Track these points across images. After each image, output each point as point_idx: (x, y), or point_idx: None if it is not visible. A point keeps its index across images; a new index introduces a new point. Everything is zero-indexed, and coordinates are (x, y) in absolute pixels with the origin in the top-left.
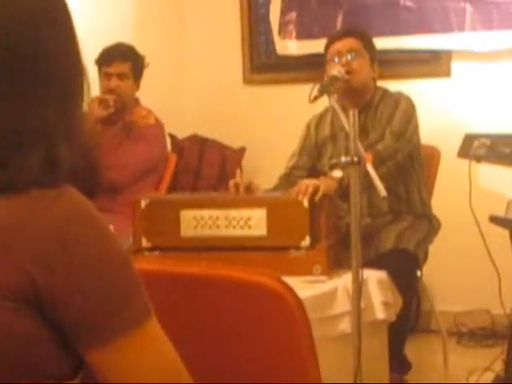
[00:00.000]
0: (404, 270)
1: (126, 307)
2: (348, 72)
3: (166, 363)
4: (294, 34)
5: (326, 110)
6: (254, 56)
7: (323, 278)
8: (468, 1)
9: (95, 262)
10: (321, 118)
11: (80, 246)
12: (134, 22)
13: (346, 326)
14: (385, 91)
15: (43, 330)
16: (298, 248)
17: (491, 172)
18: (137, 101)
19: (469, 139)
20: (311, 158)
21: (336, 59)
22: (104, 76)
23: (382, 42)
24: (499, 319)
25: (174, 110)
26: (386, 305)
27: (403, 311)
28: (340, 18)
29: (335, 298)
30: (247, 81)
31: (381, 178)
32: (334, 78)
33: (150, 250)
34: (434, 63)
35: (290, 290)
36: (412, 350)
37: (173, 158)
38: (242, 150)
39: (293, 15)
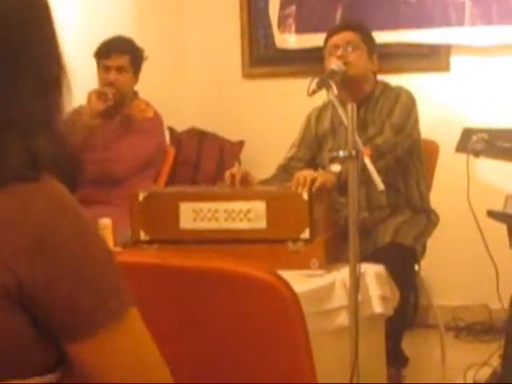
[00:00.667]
0: (402, 264)
1: (107, 301)
2: (345, 64)
3: (146, 355)
4: (293, 28)
5: (327, 103)
6: (253, 49)
7: (321, 271)
8: None
9: (76, 256)
10: (321, 110)
11: (61, 240)
12: (133, 16)
13: (343, 319)
14: (386, 85)
15: (26, 325)
16: (297, 240)
17: (489, 166)
18: (135, 94)
19: (467, 133)
20: (310, 150)
21: (334, 53)
22: (103, 69)
23: (381, 36)
24: (497, 314)
25: (173, 103)
26: (383, 299)
27: (401, 305)
28: (339, 12)
29: (333, 291)
30: (246, 74)
31: (379, 171)
32: (333, 72)
33: (149, 243)
34: (433, 58)
35: (285, 283)
36: (409, 344)
37: (171, 151)
38: (241, 144)
39: (292, 9)
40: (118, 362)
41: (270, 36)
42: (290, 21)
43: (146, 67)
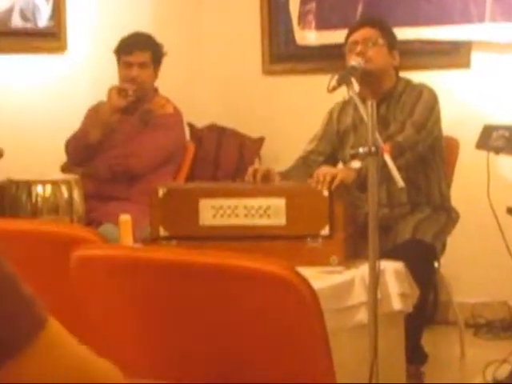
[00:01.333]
0: (421, 261)
1: (13, 327)
2: (364, 59)
3: (73, 364)
4: (313, 24)
5: (350, 99)
6: (273, 46)
7: (340, 268)
8: None
9: None
10: (344, 106)
11: None
12: (152, 12)
13: (362, 316)
14: (408, 82)
15: None
16: (317, 237)
17: (510, 163)
18: (156, 90)
19: (487, 130)
20: (331, 144)
21: (353, 49)
22: (124, 65)
23: (401, 33)
24: None
25: (193, 99)
26: (402, 296)
27: (420, 302)
28: (360, 9)
29: (352, 288)
30: (266, 71)
31: (399, 169)
32: (353, 69)
33: (168, 239)
34: (453, 54)
35: (304, 280)
36: (429, 341)
37: (191, 147)
38: (261, 140)
39: (312, 5)
40: (51, 372)
41: (290, 32)
42: (310, 17)
43: (166, 63)
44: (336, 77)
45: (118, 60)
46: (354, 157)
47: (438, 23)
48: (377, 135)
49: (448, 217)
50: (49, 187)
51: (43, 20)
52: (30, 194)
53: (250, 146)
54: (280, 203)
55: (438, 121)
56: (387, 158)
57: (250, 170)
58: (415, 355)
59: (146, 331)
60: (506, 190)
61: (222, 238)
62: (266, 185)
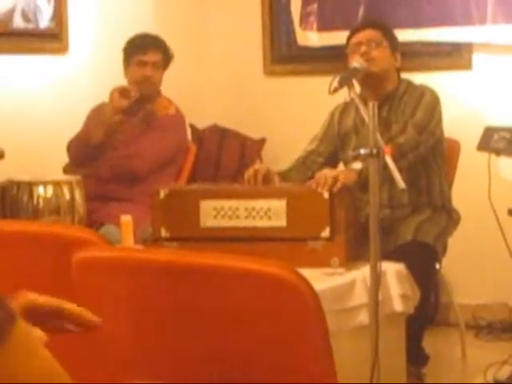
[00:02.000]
0: (422, 262)
1: None
2: (367, 60)
3: (40, 362)
4: (315, 26)
5: (351, 100)
6: (274, 47)
7: (341, 270)
8: None
9: None
10: (345, 107)
11: None
12: (155, 13)
13: (363, 318)
14: (409, 83)
15: None
16: (317, 239)
17: (511, 165)
18: (158, 91)
19: (489, 132)
20: (331, 146)
21: (356, 50)
22: (138, 64)
23: (403, 35)
24: None
25: (195, 100)
26: (404, 297)
27: (421, 304)
28: (361, 10)
29: (353, 289)
30: (268, 72)
31: (401, 170)
32: (355, 70)
33: (169, 240)
34: (455, 56)
35: (305, 281)
36: (430, 342)
37: (193, 149)
38: (262, 141)
39: (314, 6)
40: (23, 367)
41: (291, 33)
42: (312, 18)
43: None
44: (337, 78)
45: (128, 59)
46: (355, 158)
47: (440, 25)
48: (378, 137)
49: (449, 218)
50: (50, 188)
51: (45, 21)
52: (31, 194)
53: (251, 147)
54: (281, 205)
55: (439, 122)
56: (388, 160)
57: (250, 170)
58: (416, 356)
59: (147, 332)
60: (507, 192)
61: (222, 240)
62: (267, 186)
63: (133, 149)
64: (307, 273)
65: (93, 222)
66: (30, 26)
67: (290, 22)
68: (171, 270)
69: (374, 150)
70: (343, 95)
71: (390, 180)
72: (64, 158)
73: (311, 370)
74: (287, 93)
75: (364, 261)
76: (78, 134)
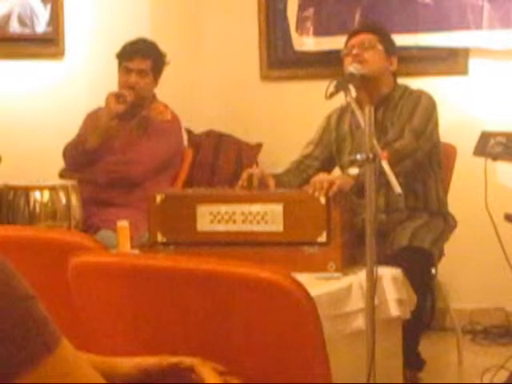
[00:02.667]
0: (419, 267)
1: (24, 346)
2: (360, 62)
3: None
4: (311, 31)
5: (347, 105)
6: (271, 52)
7: (338, 274)
8: None
9: None
10: (342, 111)
11: None
12: (151, 18)
13: (360, 323)
14: (406, 88)
15: None
16: (314, 244)
17: (507, 170)
18: (154, 96)
19: (485, 137)
20: (327, 150)
21: (350, 53)
22: (124, 71)
23: (399, 39)
24: None
25: (191, 105)
26: (400, 302)
27: (418, 309)
28: (358, 15)
29: (350, 295)
30: (264, 76)
31: (398, 175)
32: (351, 75)
33: (165, 245)
34: (451, 61)
35: (301, 287)
36: (426, 347)
37: (189, 154)
38: (259, 146)
39: (310, 11)
40: None
41: (288, 38)
42: (308, 23)
43: (164, 70)
44: (334, 83)
45: (119, 65)
46: (351, 163)
47: (436, 30)
48: (374, 141)
49: (445, 223)
50: (46, 193)
51: (41, 26)
52: (27, 199)
53: (247, 151)
54: (277, 209)
55: (436, 127)
56: (385, 165)
57: (245, 174)
58: (413, 361)
59: (143, 337)
60: (504, 197)
61: (219, 244)
62: (264, 191)
63: (129, 154)
64: (303, 277)
65: (89, 227)
66: (27, 30)
67: (287, 26)
68: (167, 275)
69: (371, 155)
70: (340, 100)
71: (387, 185)
72: (60, 163)
73: (307, 375)
74: (284, 98)
75: (360, 266)
76: (73, 139)
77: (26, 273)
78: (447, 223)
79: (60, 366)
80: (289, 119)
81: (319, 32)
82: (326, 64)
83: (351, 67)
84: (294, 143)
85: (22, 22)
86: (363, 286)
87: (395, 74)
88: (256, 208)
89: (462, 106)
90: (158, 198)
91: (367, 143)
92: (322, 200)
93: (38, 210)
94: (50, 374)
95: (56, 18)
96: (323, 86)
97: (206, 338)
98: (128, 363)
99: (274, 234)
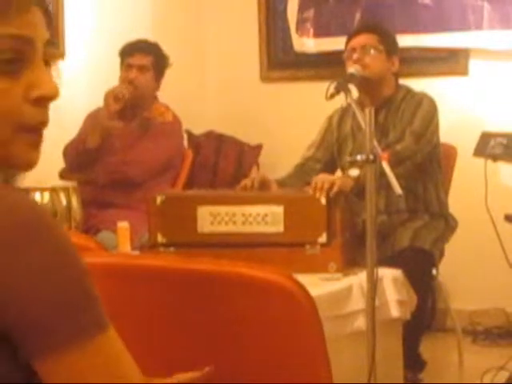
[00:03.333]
0: (419, 268)
1: (77, 318)
2: (361, 66)
3: (118, 378)
4: (311, 32)
5: (349, 106)
6: (271, 53)
7: (338, 275)
8: None
9: (49, 269)
10: (344, 112)
11: (33, 252)
12: (151, 19)
13: (360, 323)
14: (408, 90)
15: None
16: (315, 244)
17: (507, 171)
18: (155, 97)
19: (485, 138)
20: (329, 151)
21: (351, 56)
22: (125, 67)
23: (399, 40)
24: None
25: (192, 106)
26: (400, 303)
27: (418, 309)
28: (358, 16)
29: (350, 295)
30: (264, 78)
31: (398, 177)
32: (351, 76)
33: (166, 246)
34: (451, 61)
35: (301, 287)
36: (427, 348)
37: (189, 155)
38: (259, 147)
39: (310, 12)
40: (96, 377)
41: (288, 39)
42: (308, 25)
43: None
44: (334, 84)
45: (122, 63)
46: (352, 164)
47: (436, 30)
48: (375, 142)
49: (446, 224)
50: (47, 194)
51: None
52: None
53: (248, 153)
54: (278, 210)
55: (436, 130)
56: (385, 166)
57: (247, 180)
58: (413, 362)
59: (143, 338)
60: (504, 198)
61: (219, 245)
62: (264, 192)
63: (130, 155)
64: (304, 278)
65: (89, 228)
66: None
67: (287, 28)
68: (167, 276)
69: (371, 156)
70: (340, 101)
71: (387, 186)
72: (60, 164)
73: (308, 375)
74: (284, 99)
75: (361, 266)
76: (74, 139)
77: None
78: (448, 224)
79: (110, 347)
80: (289, 120)
81: (319, 33)
82: (326, 65)
83: (352, 68)
84: (295, 144)
85: None
86: (364, 287)
87: (397, 75)
88: (256, 209)
89: (462, 107)
90: (159, 199)
91: (368, 144)
92: (323, 201)
93: None
94: (98, 354)
95: (56, 20)
96: (323, 87)
97: (206, 339)
98: None
99: (274, 234)
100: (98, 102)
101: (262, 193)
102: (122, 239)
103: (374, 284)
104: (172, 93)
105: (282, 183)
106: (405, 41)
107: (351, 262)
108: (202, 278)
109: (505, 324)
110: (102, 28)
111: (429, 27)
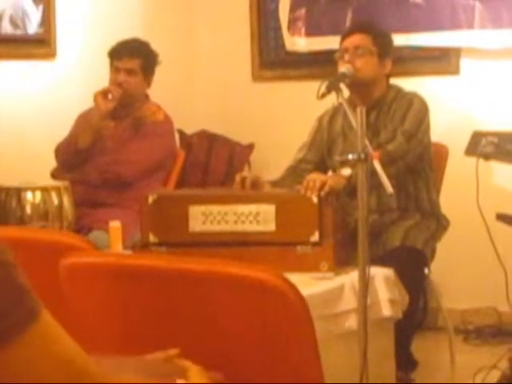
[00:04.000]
0: (411, 267)
1: (8, 314)
2: (353, 68)
3: (62, 358)
4: (303, 31)
5: (339, 106)
6: (262, 52)
7: (330, 274)
8: None
9: None
10: (334, 113)
11: None
12: (143, 19)
13: (352, 323)
14: (399, 90)
15: None
16: (306, 243)
17: (499, 170)
18: (146, 97)
19: (477, 137)
20: (320, 152)
21: (343, 57)
22: (113, 70)
23: None
24: (506, 317)
25: (183, 105)
26: (392, 302)
27: (410, 309)
28: (349, 15)
29: (342, 294)
30: (256, 77)
31: (390, 177)
32: (343, 75)
33: (158, 245)
34: (442, 61)
35: (293, 287)
36: (419, 347)
37: (181, 154)
38: (251, 146)
39: (302, 11)
40: (40, 364)
41: (279, 38)
42: (300, 24)
43: (156, 70)
44: (326, 83)
45: (111, 64)
46: (343, 164)
47: (428, 29)
48: (366, 142)
49: (438, 223)
50: (38, 194)
51: (33, 27)
52: (19, 200)
53: (239, 152)
54: (270, 209)
55: (427, 130)
56: (376, 165)
57: (238, 177)
58: (405, 361)
59: (134, 337)
60: (496, 197)
61: (211, 245)
62: (256, 191)
63: (121, 154)
64: (296, 277)
65: (81, 227)
66: (19, 31)
67: (278, 27)
68: (160, 276)
69: (362, 155)
70: (332, 100)
71: (378, 185)
72: (52, 163)
73: (299, 375)
74: (275, 98)
75: (353, 265)
76: (65, 139)
77: None
78: (439, 223)
79: (46, 333)
80: (281, 119)
81: (311, 32)
82: (317, 64)
83: (343, 67)
84: (286, 143)
85: (13, 22)
86: (355, 286)
87: (388, 76)
88: (248, 208)
89: (453, 106)
90: (150, 199)
91: (359, 143)
92: (315, 200)
93: (29, 210)
94: (37, 341)
95: (48, 19)
96: (315, 86)
97: (197, 338)
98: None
99: (266, 234)
100: (90, 102)
101: (254, 192)
102: (113, 239)
103: (365, 283)
104: (163, 92)
105: (275, 185)
106: (396, 40)
107: (343, 261)
108: (193, 278)
109: (496, 323)
110: (93, 28)
111: (420, 26)
